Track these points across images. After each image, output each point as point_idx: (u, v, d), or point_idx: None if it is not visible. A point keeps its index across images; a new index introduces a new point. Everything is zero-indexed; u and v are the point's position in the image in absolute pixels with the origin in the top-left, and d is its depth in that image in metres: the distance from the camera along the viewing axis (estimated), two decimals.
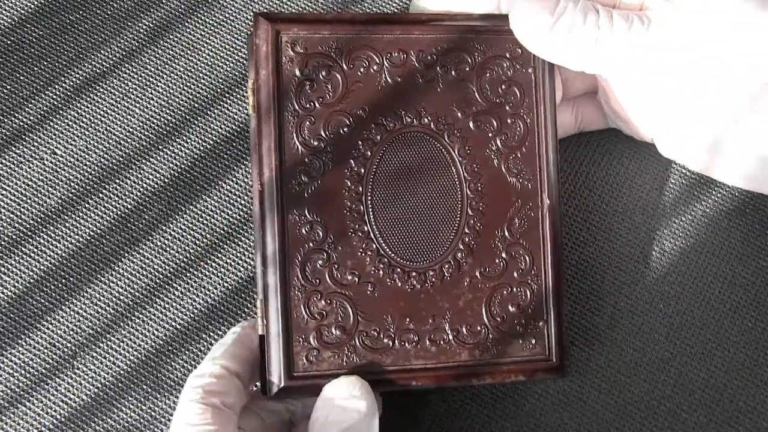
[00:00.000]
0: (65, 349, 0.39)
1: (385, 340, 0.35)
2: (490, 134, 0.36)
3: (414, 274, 0.35)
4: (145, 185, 0.41)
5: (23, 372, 0.39)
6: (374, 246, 0.35)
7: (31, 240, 0.40)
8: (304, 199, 0.35)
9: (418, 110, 0.36)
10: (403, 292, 0.35)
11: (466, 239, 0.36)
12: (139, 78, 0.42)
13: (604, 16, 0.35)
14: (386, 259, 0.35)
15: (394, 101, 0.35)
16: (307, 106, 0.35)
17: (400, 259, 0.35)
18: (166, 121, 0.42)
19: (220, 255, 0.40)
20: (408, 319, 0.35)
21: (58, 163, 0.41)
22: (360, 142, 0.35)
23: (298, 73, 0.35)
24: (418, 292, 0.35)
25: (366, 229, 0.35)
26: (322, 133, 0.35)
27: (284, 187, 0.35)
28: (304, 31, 0.36)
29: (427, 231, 0.36)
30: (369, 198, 0.35)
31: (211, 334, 0.39)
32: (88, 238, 0.40)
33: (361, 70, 0.35)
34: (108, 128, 0.42)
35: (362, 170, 0.35)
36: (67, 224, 0.40)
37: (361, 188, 0.35)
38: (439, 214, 0.36)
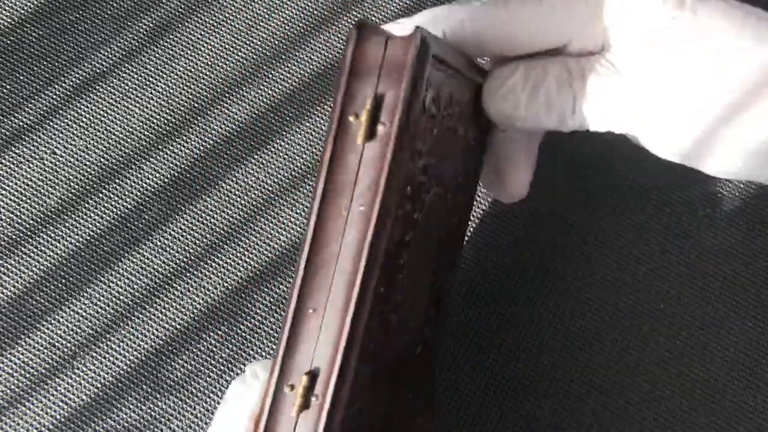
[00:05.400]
0: (65, 349, 0.39)
1: None
2: None
3: None
4: (145, 185, 0.41)
5: (23, 372, 0.39)
6: None
7: (31, 240, 0.40)
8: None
9: None
10: None
11: None
12: (139, 78, 0.42)
13: (576, 74, 0.31)
14: None
15: None
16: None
17: None
18: (166, 121, 0.42)
19: (220, 255, 0.40)
20: None
21: (58, 163, 0.41)
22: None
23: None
24: None
25: None
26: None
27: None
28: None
29: None
30: None
31: (211, 334, 0.39)
32: (88, 238, 0.40)
33: None
34: (108, 128, 0.42)
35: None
36: (67, 224, 0.40)
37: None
38: None
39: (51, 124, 0.42)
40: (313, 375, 0.27)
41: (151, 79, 0.42)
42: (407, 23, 0.32)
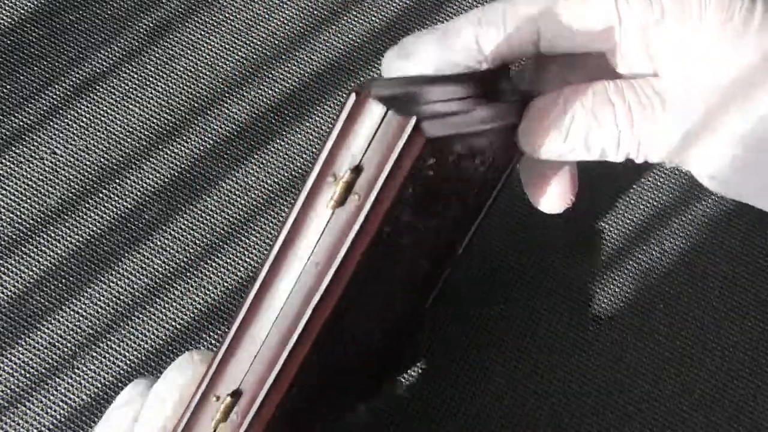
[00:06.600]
0: (65, 349, 0.39)
1: None
2: None
3: None
4: (145, 185, 0.41)
5: (23, 372, 0.39)
6: None
7: (31, 240, 0.40)
8: None
9: None
10: None
11: None
12: (139, 78, 0.42)
13: (621, 108, 0.29)
14: None
15: None
16: None
17: None
18: (166, 121, 0.42)
19: (220, 255, 0.40)
20: None
21: (58, 163, 0.41)
22: None
23: None
24: None
25: None
26: None
27: None
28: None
29: None
30: None
31: (212, 334, 0.39)
32: (88, 238, 0.40)
33: None
34: (108, 128, 0.42)
35: None
36: (67, 224, 0.40)
37: None
38: None
39: (51, 124, 0.42)
40: (237, 395, 0.28)
41: (151, 79, 0.42)
42: (449, 32, 0.29)
